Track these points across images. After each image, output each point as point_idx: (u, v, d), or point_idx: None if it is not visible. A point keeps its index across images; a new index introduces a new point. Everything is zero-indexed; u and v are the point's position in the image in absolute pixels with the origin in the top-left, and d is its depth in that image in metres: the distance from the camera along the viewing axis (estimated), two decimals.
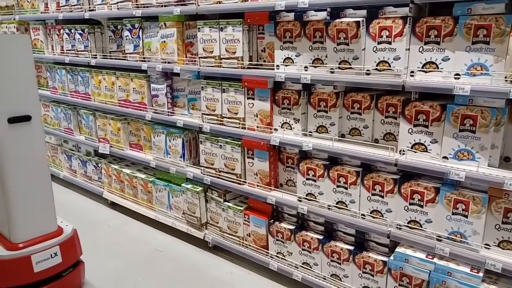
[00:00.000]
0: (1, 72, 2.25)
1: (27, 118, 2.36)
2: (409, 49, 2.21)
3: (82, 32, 4.06)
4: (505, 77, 1.96)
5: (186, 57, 3.29)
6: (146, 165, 3.87)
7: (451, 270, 2.18)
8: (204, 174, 3.29)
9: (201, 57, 3.10)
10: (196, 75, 3.19)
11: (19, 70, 2.33)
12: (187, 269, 3.18)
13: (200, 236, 3.43)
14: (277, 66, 2.73)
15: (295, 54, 2.64)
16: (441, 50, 2.11)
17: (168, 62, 3.35)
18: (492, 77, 1.99)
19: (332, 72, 2.47)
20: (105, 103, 4.05)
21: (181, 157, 3.46)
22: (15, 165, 2.36)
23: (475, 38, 2.00)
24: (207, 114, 3.18)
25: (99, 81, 4.06)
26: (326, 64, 2.51)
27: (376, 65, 2.31)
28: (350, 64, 2.39)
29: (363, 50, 2.32)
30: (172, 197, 3.61)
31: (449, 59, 2.10)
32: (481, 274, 2.12)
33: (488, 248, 2.13)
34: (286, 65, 2.69)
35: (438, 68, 2.14)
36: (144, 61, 3.56)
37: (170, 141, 3.50)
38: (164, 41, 3.33)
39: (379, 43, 2.27)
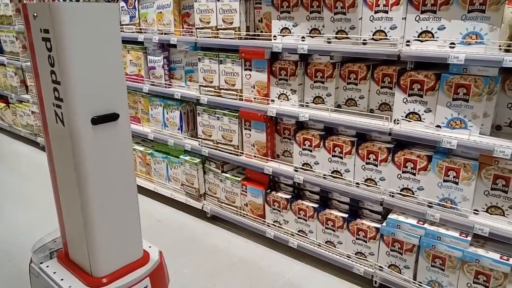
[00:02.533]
0: (82, 56, 1.63)
1: (114, 117, 1.79)
2: (405, 18, 2.22)
3: None
4: (499, 46, 1.98)
5: (183, 28, 3.27)
6: (144, 138, 3.90)
7: (440, 235, 2.26)
8: (202, 145, 3.33)
9: (198, 28, 3.09)
10: (193, 46, 3.18)
11: (104, 54, 1.70)
12: (186, 238, 3.27)
13: (198, 206, 3.50)
14: (274, 36, 2.73)
15: (292, 24, 2.63)
16: (437, 19, 2.12)
17: (165, 33, 3.34)
18: (486, 45, 2.02)
19: (329, 42, 2.48)
20: None
21: (179, 129, 3.49)
22: (98, 176, 1.80)
23: (471, 7, 2.01)
24: (205, 86, 3.20)
25: None
26: (323, 34, 2.52)
27: (373, 35, 2.32)
28: (347, 34, 2.40)
29: (360, 19, 2.33)
30: (171, 169, 3.66)
31: (444, 28, 2.11)
32: (469, 238, 2.21)
33: (477, 214, 2.20)
34: (283, 36, 2.69)
35: (433, 37, 2.15)
36: (141, 32, 3.54)
37: (167, 114, 3.53)
38: (161, 12, 3.31)
39: (376, 12, 2.27)
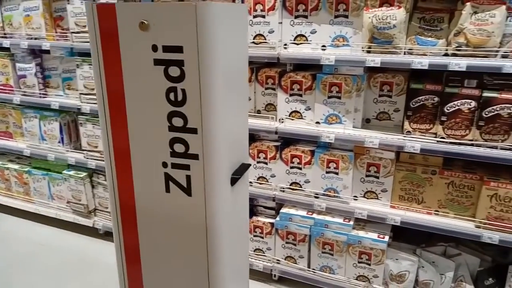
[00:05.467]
0: (227, 87, 1.09)
1: (246, 169, 1.34)
2: (281, 23, 2.35)
3: None
4: (362, 48, 2.22)
5: (56, 32, 3.01)
6: (19, 155, 3.48)
7: (327, 223, 2.45)
8: (87, 158, 3.09)
9: (74, 32, 2.86)
10: (70, 52, 2.94)
11: (238, 79, 1.18)
12: (76, 260, 3.00)
13: (89, 224, 3.25)
14: None
15: None
16: (309, 23, 2.29)
17: (35, 38, 3.03)
18: (352, 47, 2.24)
19: None
20: None
21: (59, 142, 3.19)
22: (227, 244, 1.33)
23: (336, 12, 2.22)
24: (86, 94, 2.97)
25: None
26: None
27: (253, 38, 2.41)
28: None
29: None
30: (53, 186, 3.33)
31: (316, 32, 2.29)
32: (351, 223, 2.43)
33: (356, 199, 2.43)
34: None
35: (307, 41, 2.32)
36: (6, 37, 3.16)
37: (45, 126, 3.20)
38: (28, 15, 2.99)
39: (254, 16, 2.36)
